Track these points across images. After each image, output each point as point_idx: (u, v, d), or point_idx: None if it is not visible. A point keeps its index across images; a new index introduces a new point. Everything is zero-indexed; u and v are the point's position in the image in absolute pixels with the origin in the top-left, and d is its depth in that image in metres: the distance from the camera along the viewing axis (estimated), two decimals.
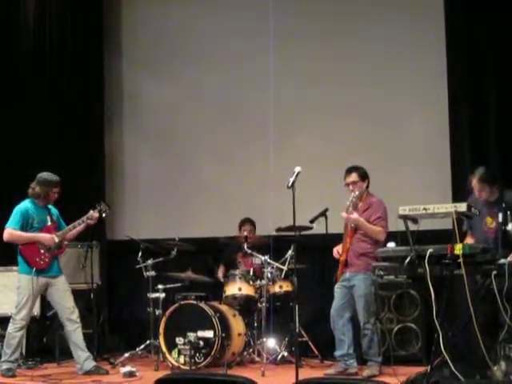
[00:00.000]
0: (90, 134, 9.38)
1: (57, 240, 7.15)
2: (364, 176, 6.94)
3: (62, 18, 9.46)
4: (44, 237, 7.11)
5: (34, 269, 7.00)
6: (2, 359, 7.09)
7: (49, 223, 7.23)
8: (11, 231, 7.08)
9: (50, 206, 7.32)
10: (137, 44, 9.70)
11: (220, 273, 8.37)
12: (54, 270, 7.19)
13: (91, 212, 7.23)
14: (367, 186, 6.98)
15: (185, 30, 9.42)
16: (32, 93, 9.26)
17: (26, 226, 7.10)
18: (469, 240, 6.47)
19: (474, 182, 6.45)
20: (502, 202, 6.34)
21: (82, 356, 7.10)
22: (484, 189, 6.42)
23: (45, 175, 7.23)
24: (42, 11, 9.40)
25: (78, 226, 7.23)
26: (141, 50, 9.67)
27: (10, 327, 7.07)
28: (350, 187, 6.89)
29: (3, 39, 9.31)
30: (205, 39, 9.29)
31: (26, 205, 7.18)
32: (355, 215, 6.77)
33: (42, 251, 7.10)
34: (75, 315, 7.15)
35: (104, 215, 7.42)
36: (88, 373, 7.03)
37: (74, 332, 7.11)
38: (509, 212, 6.03)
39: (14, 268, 7.81)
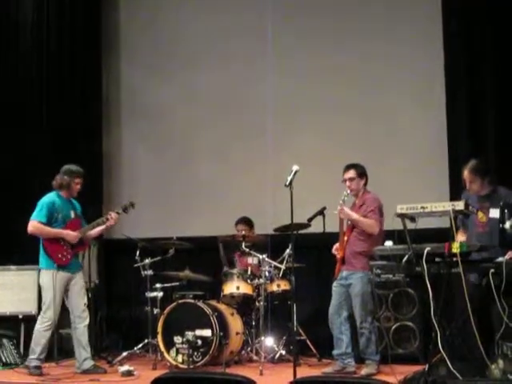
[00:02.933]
0: (88, 133, 9.39)
1: (79, 236, 7.15)
2: (362, 174, 6.96)
3: (60, 18, 9.44)
4: (69, 234, 7.10)
5: (56, 264, 6.99)
6: (31, 356, 7.07)
7: (72, 217, 7.22)
8: (37, 224, 7.04)
9: (74, 202, 7.31)
10: (135, 43, 9.69)
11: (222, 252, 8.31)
12: (75, 265, 7.21)
13: (110, 212, 7.26)
14: (365, 184, 6.99)
15: (183, 29, 9.42)
16: (31, 92, 9.25)
17: (51, 219, 7.08)
18: (460, 236, 6.46)
19: (466, 172, 6.44)
20: (494, 198, 6.34)
21: (83, 355, 7.11)
22: (475, 180, 6.40)
23: (68, 165, 7.26)
24: (41, 10, 9.38)
25: (97, 226, 7.23)
26: (139, 49, 9.66)
27: (39, 325, 7.06)
28: (347, 183, 6.92)
29: (1, 37, 9.31)
30: (203, 38, 9.27)
31: (51, 198, 7.16)
32: (347, 209, 6.80)
33: (65, 247, 7.10)
34: (86, 313, 7.18)
35: (122, 212, 7.37)
36: (86, 371, 7.04)
37: (81, 329, 7.12)
38: (506, 210, 6.01)
39: (12, 267, 7.85)
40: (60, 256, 7.05)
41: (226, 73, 9.13)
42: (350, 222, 6.89)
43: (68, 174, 7.18)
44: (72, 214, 7.23)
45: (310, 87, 8.74)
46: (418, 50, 8.32)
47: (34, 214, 7.09)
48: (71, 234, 7.10)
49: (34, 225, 7.06)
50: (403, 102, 8.43)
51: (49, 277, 7.00)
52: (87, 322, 7.17)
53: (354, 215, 6.81)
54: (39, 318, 7.11)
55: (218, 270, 8.19)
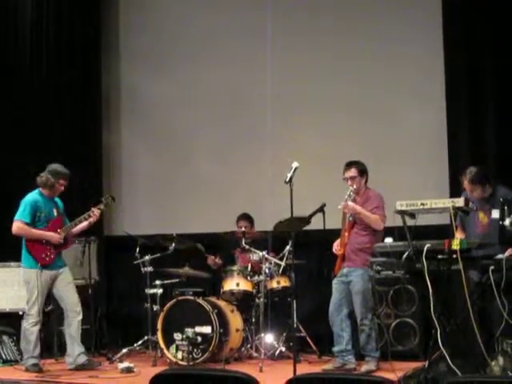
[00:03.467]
0: (88, 130, 9.40)
1: (63, 236, 7.14)
2: (363, 171, 6.95)
3: (59, 18, 9.44)
4: (53, 237, 7.08)
5: (39, 264, 6.98)
6: (26, 356, 7.09)
7: (55, 216, 7.20)
8: (22, 225, 7.03)
9: (56, 199, 7.28)
10: (135, 41, 9.70)
11: (210, 260, 8.33)
12: (59, 263, 7.19)
13: (92, 209, 7.23)
14: (366, 181, 6.99)
15: (183, 27, 9.42)
16: (30, 93, 9.25)
17: (34, 218, 7.06)
18: (458, 235, 6.46)
19: (466, 183, 6.45)
20: (494, 199, 6.35)
21: (78, 350, 7.10)
22: (476, 189, 6.42)
23: (55, 165, 7.22)
24: (39, 10, 9.39)
25: (79, 223, 7.22)
26: (139, 47, 9.67)
27: (25, 323, 7.06)
28: (349, 182, 6.91)
29: (0, 37, 9.32)
30: (203, 37, 9.28)
31: (33, 196, 7.13)
32: (352, 203, 6.79)
33: (48, 247, 7.08)
34: (79, 307, 7.17)
35: (104, 208, 7.39)
36: (81, 366, 7.02)
37: (76, 325, 7.11)
38: (506, 207, 6.03)
39: (13, 264, 7.84)
40: (43, 256, 7.05)
41: (226, 73, 9.12)
42: (351, 219, 6.88)
43: (53, 175, 7.14)
44: (54, 213, 7.21)
45: (310, 86, 8.74)
46: (418, 49, 8.31)
47: (18, 213, 7.06)
48: (55, 237, 7.08)
49: (19, 225, 7.04)
50: (403, 101, 8.43)
51: (31, 275, 6.99)
52: (81, 316, 7.16)
53: (359, 208, 6.80)
54: (24, 316, 7.11)
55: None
